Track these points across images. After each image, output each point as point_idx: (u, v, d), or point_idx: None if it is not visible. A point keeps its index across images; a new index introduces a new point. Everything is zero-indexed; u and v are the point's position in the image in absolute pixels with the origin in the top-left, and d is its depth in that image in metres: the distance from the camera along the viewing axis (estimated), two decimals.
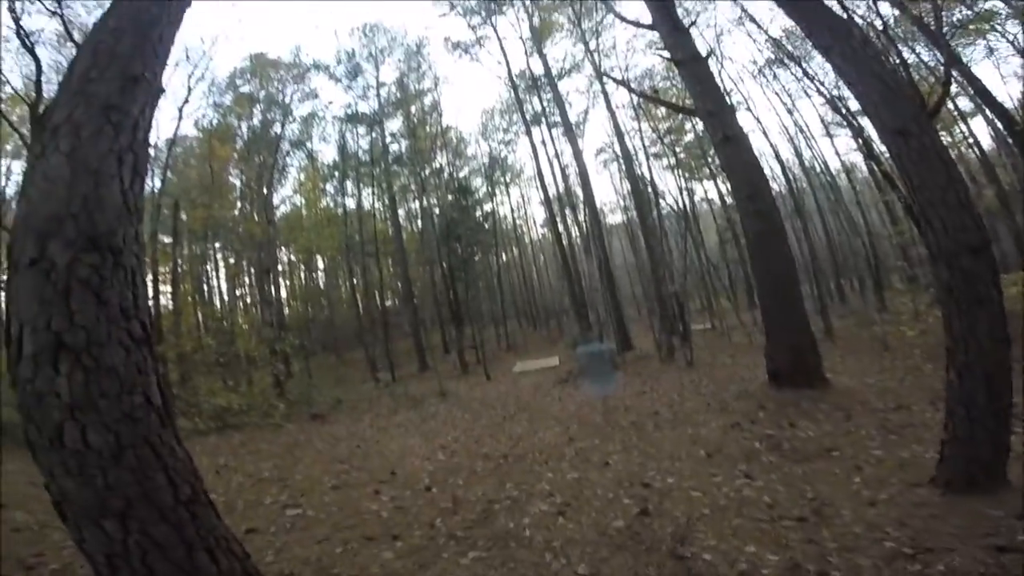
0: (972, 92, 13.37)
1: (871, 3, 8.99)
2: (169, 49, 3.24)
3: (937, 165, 3.33)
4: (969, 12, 12.07)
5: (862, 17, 10.04)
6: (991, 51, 15.56)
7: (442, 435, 7.74)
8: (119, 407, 1.85)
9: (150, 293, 13.60)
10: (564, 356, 16.70)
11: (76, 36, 9.28)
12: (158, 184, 15.65)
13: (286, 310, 24.48)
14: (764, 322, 7.29)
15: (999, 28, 13.48)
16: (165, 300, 14.28)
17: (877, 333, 9.80)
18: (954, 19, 11.89)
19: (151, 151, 15.38)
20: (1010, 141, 14.11)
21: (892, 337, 9.32)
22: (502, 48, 20.82)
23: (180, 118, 15.88)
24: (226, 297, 24.56)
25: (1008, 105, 11.92)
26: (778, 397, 6.04)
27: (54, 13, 9.03)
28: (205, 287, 23.66)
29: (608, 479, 4.25)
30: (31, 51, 8.40)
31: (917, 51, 13.03)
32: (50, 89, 8.37)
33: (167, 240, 16.14)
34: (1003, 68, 17.64)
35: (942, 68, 9.35)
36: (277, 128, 20.12)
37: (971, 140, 17.41)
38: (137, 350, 1.98)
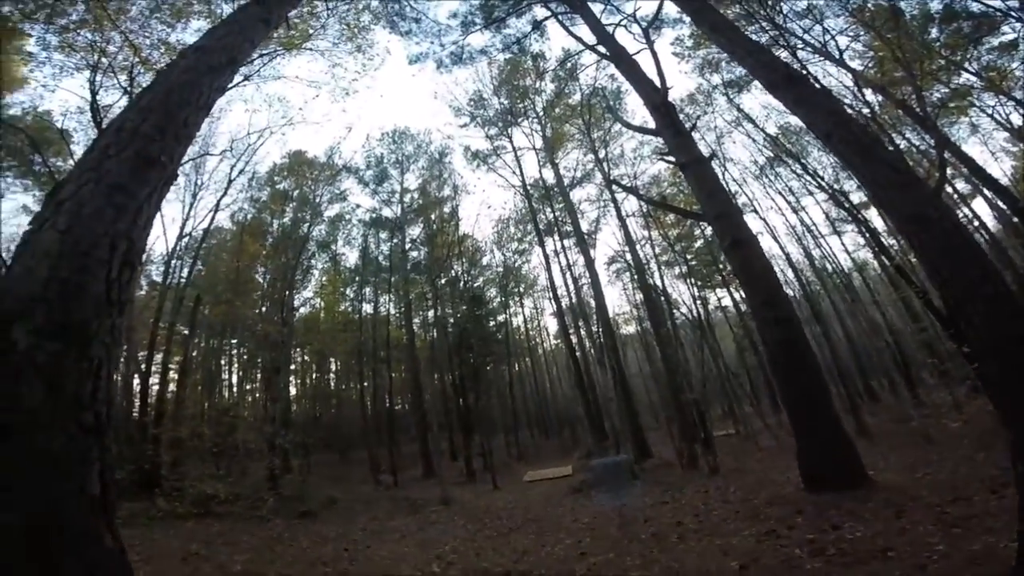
0: (968, 172, 13.59)
1: (857, 92, 9.64)
2: (193, 135, 3.37)
3: (966, 254, 3.03)
4: (947, 90, 12.58)
5: (849, 106, 10.81)
6: (975, 128, 16.14)
7: (440, 544, 7.02)
8: (42, 491, 1.75)
9: (156, 380, 13.58)
10: (578, 465, 15.62)
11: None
12: (185, 274, 16.24)
13: (294, 407, 23.84)
14: (793, 427, 6.70)
15: (978, 103, 14.04)
16: (172, 387, 14.18)
17: (917, 428, 9.16)
18: (934, 99, 12.30)
19: (184, 239, 16.39)
20: (1016, 220, 13.94)
21: (934, 430, 8.70)
22: (517, 158, 22.12)
23: (217, 209, 16.78)
24: (235, 390, 24.23)
25: (1004, 182, 11.90)
26: (816, 500, 5.37)
27: (126, 91, 10.06)
28: (219, 379, 23.39)
29: None
30: (97, 123, 9.24)
31: (906, 136, 13.53)
32: None
33: (185, 331, 16.42)
34: (990, 144, 18.12)
35: (934, 151, 9.56)
36: (306, 228, 20.61)
37: (976, 223, 17.21)
38: (83, 439, 1.93)
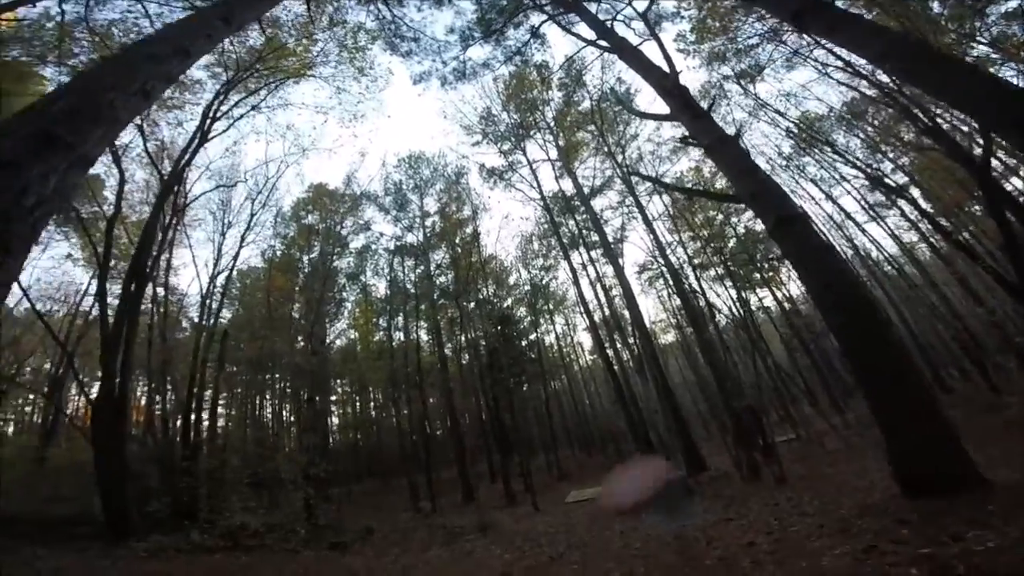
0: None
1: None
2: (124, 119, 3.05)
3: None
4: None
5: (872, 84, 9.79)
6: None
7: None
8: None
9: (195, 415, 13.63)
10: None
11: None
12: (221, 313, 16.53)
13: (337, 436, 23.81)
14: (880, 423, 5.50)
15: (1002, 75, 12.94)
16: (219, 421, 14.32)
17: (1014, 417, 8.05)
18: None
19: (218, 278, 16.71)
20: None
21: None
22: (533, 172, 21.48)
23: (242, 244, 17.34)
24: (274, 422, 24.45)
25: None
26: (921, 507, 4.45)
27: (139, 128, 10.16)
28: (257, 412, 23.67)
29: None
30: (117, 164, 9.38)
31: (936, 110, 12.61)
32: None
33: (225, 367, 16.66)
34: None
35: (971, 122, 8.57)
36: (333, 260, 20.75)
37: None
38: None
